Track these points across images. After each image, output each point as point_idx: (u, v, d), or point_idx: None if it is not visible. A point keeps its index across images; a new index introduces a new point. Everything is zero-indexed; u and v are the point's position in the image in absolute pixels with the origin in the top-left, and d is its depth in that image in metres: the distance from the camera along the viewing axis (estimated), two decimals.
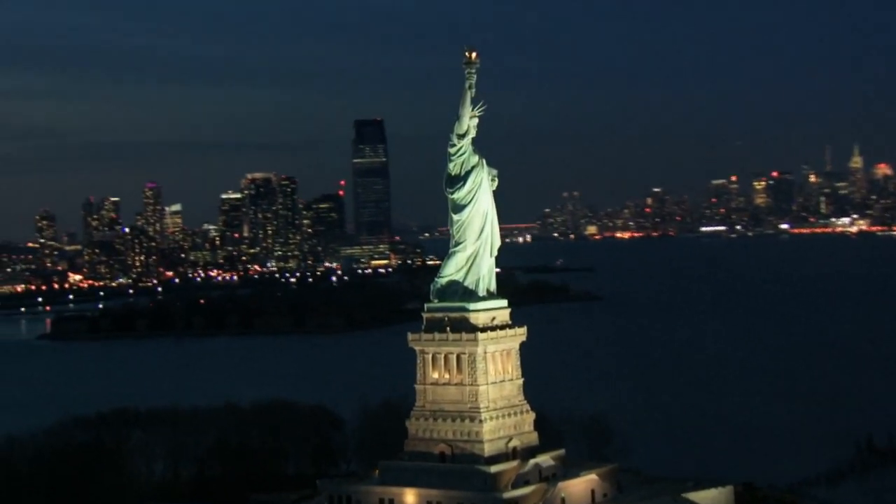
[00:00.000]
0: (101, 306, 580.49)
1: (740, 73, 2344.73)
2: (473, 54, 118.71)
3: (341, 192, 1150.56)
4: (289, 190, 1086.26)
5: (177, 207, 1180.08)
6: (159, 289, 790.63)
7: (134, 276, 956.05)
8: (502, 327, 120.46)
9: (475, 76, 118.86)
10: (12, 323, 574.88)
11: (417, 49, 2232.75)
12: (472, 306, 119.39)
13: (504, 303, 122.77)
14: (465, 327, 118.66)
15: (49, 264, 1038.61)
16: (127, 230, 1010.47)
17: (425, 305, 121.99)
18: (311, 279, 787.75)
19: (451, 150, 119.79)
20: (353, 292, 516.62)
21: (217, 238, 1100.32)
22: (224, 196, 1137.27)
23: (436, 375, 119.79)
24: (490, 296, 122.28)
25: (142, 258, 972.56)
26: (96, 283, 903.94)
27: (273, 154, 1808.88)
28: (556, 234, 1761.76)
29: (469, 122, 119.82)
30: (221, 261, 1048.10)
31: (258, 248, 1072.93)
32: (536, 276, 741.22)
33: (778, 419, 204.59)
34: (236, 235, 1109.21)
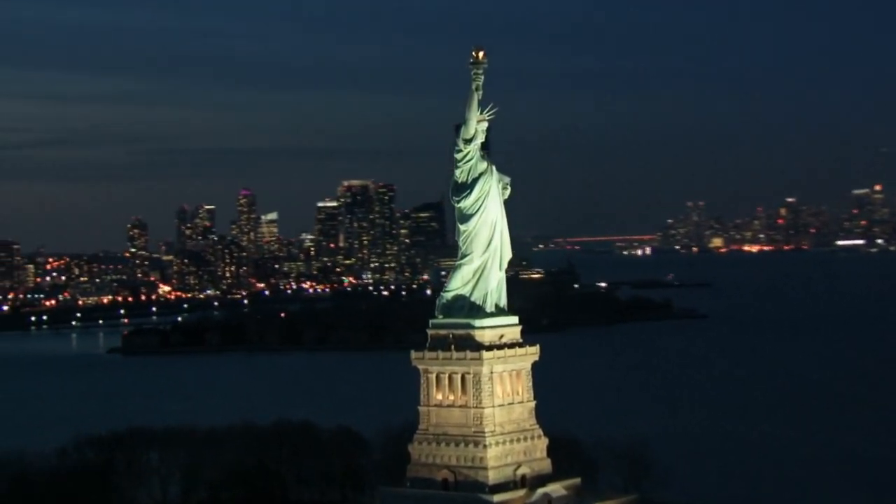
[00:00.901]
0: (179, 319, 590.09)
1: (887, 70, 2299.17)
2: (481, 54, 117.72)
3: (442, 201, 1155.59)
4: (386, 198, 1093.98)
5: (272, 216, 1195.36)
6: (245, 301, 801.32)
7: (224, 287, 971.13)
8: (511, 346, 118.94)
9: (482, 77, 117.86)
10: (90, 336, 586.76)
11: (523, 50, 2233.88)
12: (477, 322, 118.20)
13: (514, 319, 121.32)
14: (471, 345, 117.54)
15: (140, 275, 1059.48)
16: (216, 239, 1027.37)
17: (430, 321, 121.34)
18: (403, 292, 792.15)
19: (457, 157, 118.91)
20: None
21: (312, 248, 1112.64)
22: (320, 204, 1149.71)
23: (440, 397, 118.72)
24: (499, 312, 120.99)
25: (232, 269, 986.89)
26: (183, 295, 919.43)
27: (371, 160, 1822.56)
28: (677, 247, 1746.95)
29: (477, 126, 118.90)
30: (315, 272, 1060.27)
31: (353, 259, 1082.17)
32: (645, 291, 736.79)
33: (846, 453, 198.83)
34: (332, 245, 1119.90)
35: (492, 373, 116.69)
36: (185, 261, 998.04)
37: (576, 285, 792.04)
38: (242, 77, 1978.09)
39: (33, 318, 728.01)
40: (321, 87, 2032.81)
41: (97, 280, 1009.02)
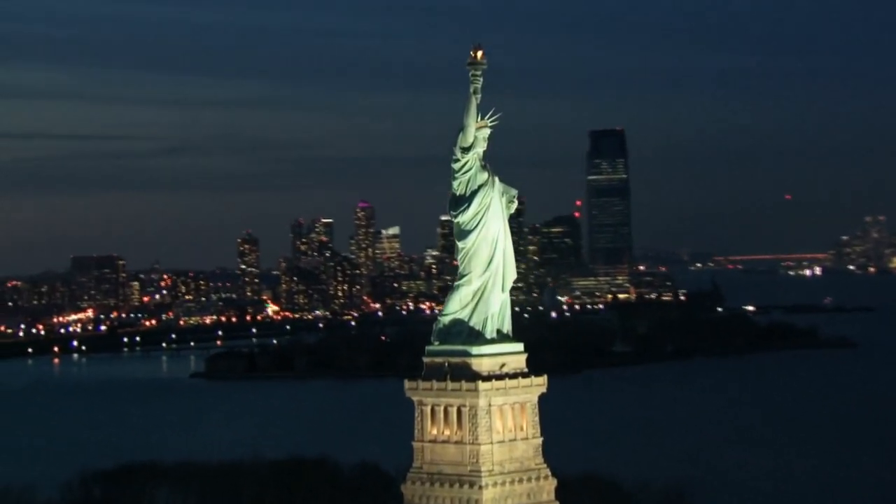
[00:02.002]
0: (274, 342, 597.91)
1: None
2: (479, 53, 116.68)
3: (577, 214, 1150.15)
4: (515, 211, 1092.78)
5: (394, 230, 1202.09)
6: (352, 322, 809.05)
7: (335, 307, 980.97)
8: (514, 376, 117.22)
9: (481, 79, 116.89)
10: (180, 359, 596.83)
11: (663, 49, 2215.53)
12: (475, 350, 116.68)
13: (518, 347, 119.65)
14: (467, 374, 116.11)
15: (250, 293, 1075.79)
16: (328, 255, 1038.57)
17: (426, 348, 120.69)
18: (526, 315, 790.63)
19: (455, 167, 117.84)
20: (550, 331, 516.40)
21: (433, 266, 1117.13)
22: (444, 217, 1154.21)
23: (434, 432, 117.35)
24: (501, 338, 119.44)
25: (344, 287, 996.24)
26: (291, 316, 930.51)
27: (498, 170, 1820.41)
28: (852, 267, 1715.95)
29: (477, 133, 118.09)
30: (436, 291, 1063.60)
31: None
32: (796, 316, 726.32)
33: None
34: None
35: (490, 405, 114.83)
36: (294, 279, 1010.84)
37: (719, 308, 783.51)
38: (365, 79, 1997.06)
39: (126, 340, 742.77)
40: (444, 90, 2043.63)
41: (203, 299, 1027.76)
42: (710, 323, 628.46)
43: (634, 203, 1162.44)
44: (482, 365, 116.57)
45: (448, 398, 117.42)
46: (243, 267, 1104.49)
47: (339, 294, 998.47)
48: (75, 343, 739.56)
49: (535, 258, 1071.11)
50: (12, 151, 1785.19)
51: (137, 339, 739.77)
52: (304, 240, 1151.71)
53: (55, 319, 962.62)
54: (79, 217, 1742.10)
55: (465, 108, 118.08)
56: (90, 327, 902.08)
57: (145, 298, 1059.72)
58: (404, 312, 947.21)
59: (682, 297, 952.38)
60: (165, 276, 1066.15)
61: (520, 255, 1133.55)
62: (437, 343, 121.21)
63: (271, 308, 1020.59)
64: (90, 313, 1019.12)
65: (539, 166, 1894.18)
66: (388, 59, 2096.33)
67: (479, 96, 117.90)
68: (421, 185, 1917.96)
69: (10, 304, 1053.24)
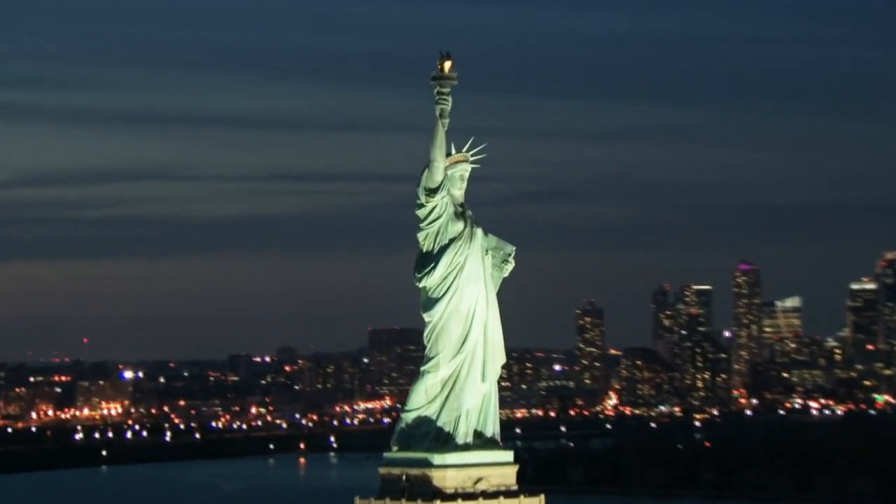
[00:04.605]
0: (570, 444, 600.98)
1: None
2: (447, 64, 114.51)
3: None
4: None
5: (794, 302, 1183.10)
6: (697, 423, 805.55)
7: (698, 402, 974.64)
8: (493, 495, 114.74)
9: (449, 99, 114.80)
10: None
11: None
12: (438, 459, 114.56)
13: (504, 455, 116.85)
14: (426, 492, 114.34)
15: (587, 380, 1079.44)
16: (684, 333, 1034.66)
17: (383, 455, 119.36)
18: None
19: (420, 214, 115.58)
20: None
21: (836, 351, 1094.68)
22: (854, 286, 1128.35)
23: None
24: (480, 443, 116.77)
25: (705, 376, 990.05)
26: (629, 411, 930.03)
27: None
28: None
29: (450, 170, 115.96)
30: (835, 385, 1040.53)
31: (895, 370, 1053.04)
32: None
33: None
34: (870, 347, 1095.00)
35: None
36: (637, 362, 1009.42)
37: None
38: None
39: None
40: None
41: (523, 387, 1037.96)
42: None
43: None
44: (446, 479, 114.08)
45: None
46: (581, 346, 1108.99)
47: (699, 384, 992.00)
48: (332, 439, 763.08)
49: None
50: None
51: None
52: (668, 312, 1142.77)
53: (337, 408, 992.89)
54: (373, 277, 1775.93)
55: (431, 137, 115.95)
56: (373, 419, 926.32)
57: None
58: (782, 412, 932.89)
59: None
60: None
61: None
62: (395, 449, 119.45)
63: (610, 400, 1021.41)
64: (387, 401, 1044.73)
65: None
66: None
67: (446, 120, 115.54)
68: (830, 240, 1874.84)
69: (296, 386, 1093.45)
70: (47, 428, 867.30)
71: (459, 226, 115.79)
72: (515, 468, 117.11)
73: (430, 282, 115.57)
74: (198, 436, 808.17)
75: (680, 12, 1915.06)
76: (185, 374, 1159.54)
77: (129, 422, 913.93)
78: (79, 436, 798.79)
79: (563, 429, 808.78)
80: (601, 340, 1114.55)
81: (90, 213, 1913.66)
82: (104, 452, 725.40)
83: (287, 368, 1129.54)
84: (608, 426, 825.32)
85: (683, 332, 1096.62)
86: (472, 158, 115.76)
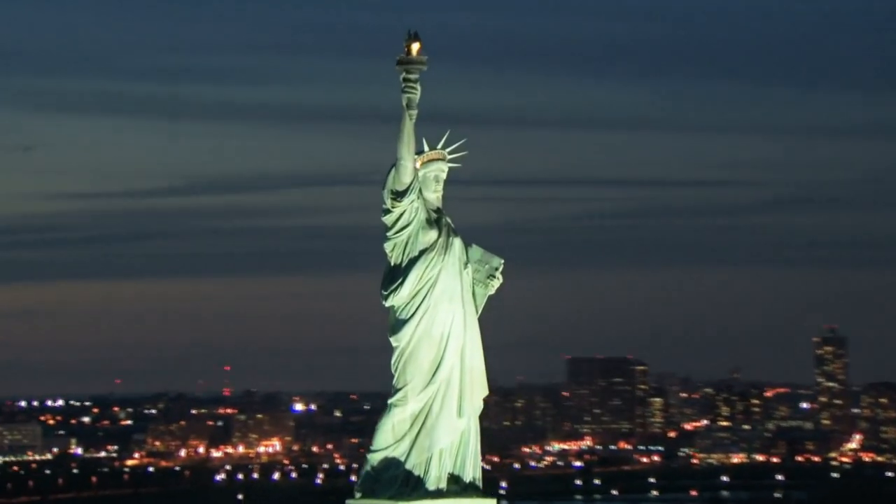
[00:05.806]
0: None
1: None
2: (415, 46, 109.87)
3: None
4: None
5: None
6: None
7: None
8: None
9: (417, 88, 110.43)
10: None
11: None
12: None
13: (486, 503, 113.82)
14: None
15: (825, 419, 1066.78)
16: None
17: (345, 503, 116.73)
18: None
19: (386, 221, 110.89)
20: None
21: None
22: None
23: None
24: (457, 490, 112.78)
25: None
26: (869, 458, 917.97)
27: None
28: None
29: (424, 170, 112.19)
30: None
31: None
32: None
33: None
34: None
35: None
36: (881, 400, 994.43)
37: None
38: None
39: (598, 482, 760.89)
40: None
41: (745, 427, 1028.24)
42: None
43: None
44: None
45: None
46: (820, 381, 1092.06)
47: None
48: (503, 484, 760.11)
49: None
50: None
51: (597, 481, 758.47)
52: None
53: (524, 449, 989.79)
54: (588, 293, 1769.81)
55: (399, 131, 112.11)
56: (562, 462, 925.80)
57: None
58: None
59: None
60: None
61: None
62: (358, 496, 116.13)
63: (852, 443, 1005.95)
64: (587, 441, 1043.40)
65: None
66: None
67: (414, 112, 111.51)
68: None
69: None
70: (188, 467, 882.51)
71: (433, 235, 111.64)
72: None
73: (397, 300, 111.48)
74: (353, 478, 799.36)
75: None
76: (367, 406, 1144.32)
77: (286, 461, 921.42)
78: (220, 476, 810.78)
79: (778, 477, 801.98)
80: (843, 374, 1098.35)
81: (286, 221, 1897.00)
82: (240, 496, 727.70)
83: None
84: (834, 475, 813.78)
85: None
86: (449, 157, 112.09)
